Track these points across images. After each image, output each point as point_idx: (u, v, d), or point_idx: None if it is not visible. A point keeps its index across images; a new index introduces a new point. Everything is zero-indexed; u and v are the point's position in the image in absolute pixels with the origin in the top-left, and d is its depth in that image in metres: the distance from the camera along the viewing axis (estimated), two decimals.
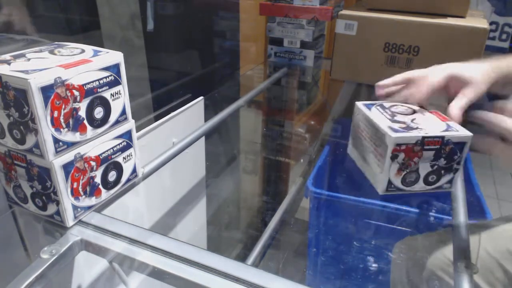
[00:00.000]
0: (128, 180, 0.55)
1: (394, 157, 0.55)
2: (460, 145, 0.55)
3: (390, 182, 0.57)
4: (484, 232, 0.65)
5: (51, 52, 0.47)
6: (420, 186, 0.58)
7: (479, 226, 0.69)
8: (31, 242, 0.56)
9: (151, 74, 1.03)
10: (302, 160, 1.48)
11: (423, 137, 0.54)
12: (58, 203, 0.46)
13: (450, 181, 0.59)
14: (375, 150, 0.59)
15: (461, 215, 0.57)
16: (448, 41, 0.89)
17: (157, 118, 0.81)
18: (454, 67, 0.59)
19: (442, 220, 0.82)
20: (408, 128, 0.56)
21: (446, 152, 0.56)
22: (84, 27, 0.93)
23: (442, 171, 0.58)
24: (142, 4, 0.97)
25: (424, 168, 0.57)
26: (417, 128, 0.56)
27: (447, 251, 0.65)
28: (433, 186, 0.59)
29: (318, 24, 1.23)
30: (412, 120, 0.58)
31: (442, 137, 0.55)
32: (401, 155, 0.55)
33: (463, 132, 0.55)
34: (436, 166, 0.57)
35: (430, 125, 0.57)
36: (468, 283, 0.44)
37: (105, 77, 0.47)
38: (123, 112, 0.51)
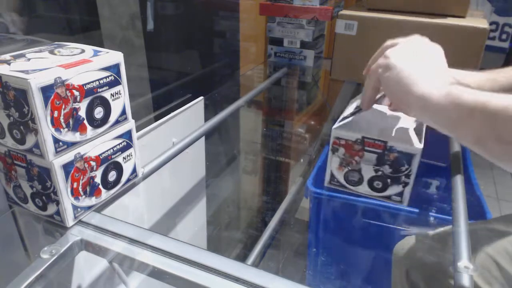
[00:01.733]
0: (128, 180, 0.55)
1: (334, 150, 0.56)
2: (407, 156, 0.54)
3: (332, 175, 0.58)
4: (484, 232, 0.65)
5: (51, 52, 0.47)
6: (365, 189, 0.58)
7: (479, 226, 0.69)
8: (31, 242, 0.56)
9: (151, 74, 1.04)
10: (302, 160, 1.48)
11: (363, 137, 0.53)
12: (58, 203, 0.46)
13: (400, 195, 0.58)
14: None
15: (461, 215, 0.57)
16: (448, 41, 0.89)
17: (157, 118, 0.81)
18: None
19: (442, 220, 0.82)
20: (362, 126, 0.54)
21: (390, 159, 0.54)
22: (84, 27, 0.93)
23: (389, 180, 0.56)
24: (142, 4, 0.98)
25: (368, 171, 0.56)
26: (374, 129, 0.54)
27: (447, 251, 0.65)
28: (380, 194, 0.58)
29: (318, 24, 1.23)
30: (383, 120, 0.56)
31: (385, 142, 0.53)
32: (341, 150, 0.55)
33: (412, 143, 0.53)
34: (380, 172, 0.56)
35: (395, 131, 0.55)
36: (468, 283, 0.44)
37: (105, 77, 0.47)
38: (123, 112, 0.51)
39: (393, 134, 0.53)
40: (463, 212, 0.57)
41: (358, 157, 0.55)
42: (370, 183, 0.57)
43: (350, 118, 0.55)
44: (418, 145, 0.53)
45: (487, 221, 0.77)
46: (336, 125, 0.55)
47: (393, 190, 0.57)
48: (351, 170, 0.57)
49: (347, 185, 0.58)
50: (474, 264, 0.46)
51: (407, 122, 0.56)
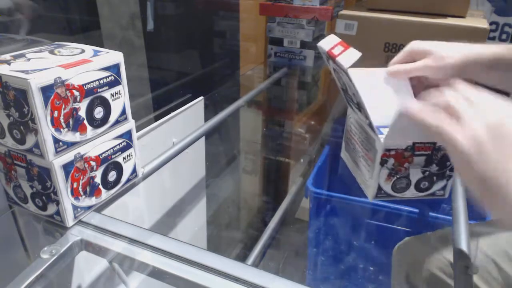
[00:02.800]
0: (128, 180, 0.55)
1: (383, 162, 0.53)
2: None
3: (380, 188, 0.56)
4: (483, 232, 0.65)
5: (51, 52, 0.47)
6: (411, 193, 0.57)
7: (479, 226, 0.69)
8: (31, 242, 0.56)
9: (151, 74, 1.03)
10: (302, 160, 1.48)
11: (414, 143, 0.52)
12: (58, 203, 0.46)
13: (443, 188, 0.57)
14: (365, 155, 0.58)
15: (461, 215, 0.57)
16: (448, 41, 0.89)
17: (157, 118, 0.81)
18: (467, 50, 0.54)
19: (442, 220, 0.83)
20: (406, 131, 0.54)
21: (438, 158, 0.54)
22: (84, 27, 0.93)
23: (434, 178, 0.56)
24: (142, 4, 0.97)
25: (415, 174, 0.55)
26: (418, 131, 0.54)
27: (447, 252, 0.65)
28: (425, 193, 0.57)
29: (318, 24, 1.23)
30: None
31: (434, 143, 0.53)
32: (391, 161, 0.53)
33: None
34: (427, 173, 0.55)
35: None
36: (468, 284, 0.44)
37: (105, 77, 0.47)
38: (123, 112, 0.51)
39: None
40: (463, 212, 0.57)
41: (408, 163, 0.54)
42: (417, 185, 0.56)
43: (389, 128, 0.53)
44: None
45: (487, 222, 0.77)
46: (382, 137, 0.52)
47: (438, 186, 0.57)
48: (399, 178, 0.55)
49: (394, 194, 0.57)
50: (474, 265, 0.46)
51: None
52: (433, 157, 0.54)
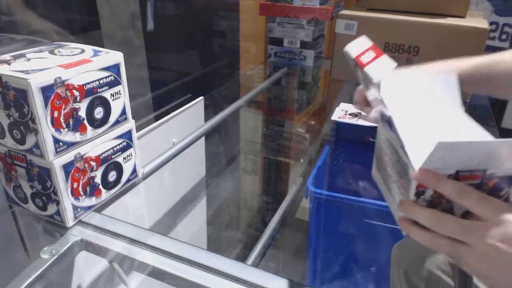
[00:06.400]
0: (128, 180, 0.55)
1: (419, 194, 0.42)
2: (507, 180, 0.41)
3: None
4: None
5: (51, 52, 0.47)
6: None
7: None
8: (31, 242, 0.56)
9: (151, 74, 1.04)
10: (302, 160, 1.48)
11: (457, 171, 0.40)
12: (58, 203, 0.46)
13: None
14: (398, 181, 0.47)
15: None
16: (448, 41, 0.89)
17: (157, 118, 0.81)
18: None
19: None
20: (451, 156, 0.39)
21: (488, 187, 0.41)
22: (84, 27, 0.93)
23: None
24: (142, 4, 0.98)
25: (460, 207, 0.42)
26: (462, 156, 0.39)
27: None
28: None
29: (318, 24, 1.23)
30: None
31: (484, 171, 0.40)
32: (429, 192, 0.42)
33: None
34: None
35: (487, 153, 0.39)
36: (467, 283, 0.44)
37: (105, 77, 0.47)
38: (123, 112, 0.51)
39: (488, 157, 0.39)
40: None
41: None
42: (464, 218, 0.42)
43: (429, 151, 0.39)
44: None
45: None
46: (416, 161, 0.40)
47: None
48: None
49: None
50: None
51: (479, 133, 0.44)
52: (483, 186, 0.41)
